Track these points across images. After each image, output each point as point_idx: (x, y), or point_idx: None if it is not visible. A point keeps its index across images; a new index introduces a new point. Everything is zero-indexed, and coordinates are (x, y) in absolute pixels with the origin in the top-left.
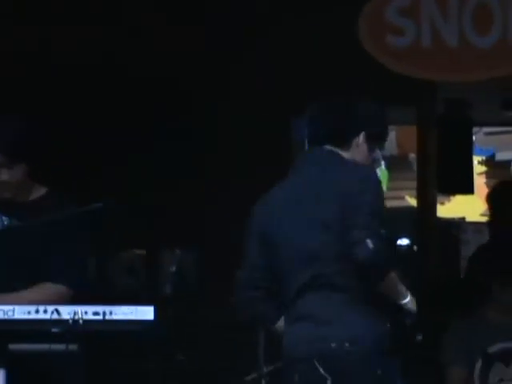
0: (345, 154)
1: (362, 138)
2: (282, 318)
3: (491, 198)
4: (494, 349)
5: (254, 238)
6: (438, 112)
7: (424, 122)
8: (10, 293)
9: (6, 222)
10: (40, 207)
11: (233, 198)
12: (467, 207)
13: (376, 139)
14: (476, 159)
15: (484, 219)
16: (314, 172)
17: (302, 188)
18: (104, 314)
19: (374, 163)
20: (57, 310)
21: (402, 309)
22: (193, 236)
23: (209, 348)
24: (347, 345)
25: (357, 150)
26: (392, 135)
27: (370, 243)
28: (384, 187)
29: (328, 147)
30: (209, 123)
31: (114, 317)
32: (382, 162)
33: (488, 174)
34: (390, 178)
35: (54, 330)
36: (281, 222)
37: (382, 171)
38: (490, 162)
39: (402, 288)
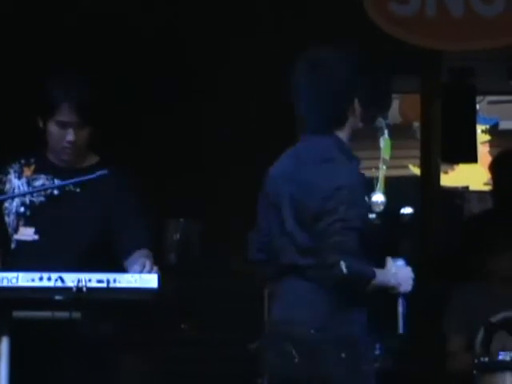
0: (342, 134)
1: (355, 103)
2: None
3: (494, 167)
4: (496, 318)
5: (263, 203)
6: (442, 81)
7: (427, 90)
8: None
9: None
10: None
11: (237, 168)
12: (471, 176)
13: (370, 102)
14: (480, 128)
15: (487, 188)
16: (306, 161)
17: (292, 174)
18: (108, 281)
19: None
20: (61, 278)
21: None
22: (197, 205)
23: (212, 316)
24: (312, 331)
25: (353, 117)
26: (395, 104)
27: (343, 266)
28: (387, 156)
29: (327, 137)
30: (212, 94)
31: (118, 285)
32: (386, 131)
33: (492, 143)
34: (394, 147)
35: (58, 297)
36: (277, 201)
37: (385, 140)
38: (493, 131)
39: (385, 279)
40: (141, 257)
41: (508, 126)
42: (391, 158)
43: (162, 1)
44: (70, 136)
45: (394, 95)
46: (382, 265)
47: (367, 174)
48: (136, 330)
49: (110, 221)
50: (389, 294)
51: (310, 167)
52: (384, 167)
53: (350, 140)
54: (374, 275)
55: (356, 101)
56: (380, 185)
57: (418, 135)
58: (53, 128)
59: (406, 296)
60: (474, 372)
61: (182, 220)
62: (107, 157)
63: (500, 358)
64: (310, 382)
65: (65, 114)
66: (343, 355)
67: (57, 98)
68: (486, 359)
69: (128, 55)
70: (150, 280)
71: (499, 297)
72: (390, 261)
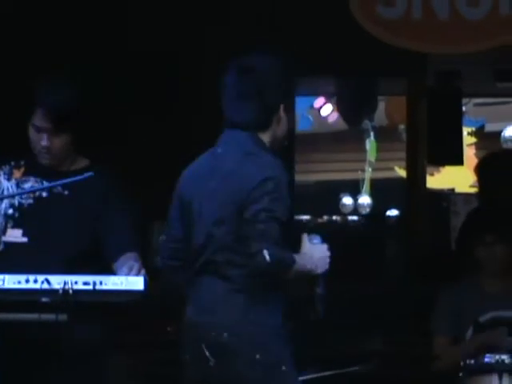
0: (264, 137)
1: (281, 111)
2: None
3: (480, 169)
4: (484, 318)
5: (175, 207)
6: (428, 83)
7: (413, 92)
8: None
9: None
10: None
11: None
12: (457, 178)
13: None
14: (466, 130)
15: (473, 190)
16: (226, 156)
17: (212, 170)
18: (94, 284)
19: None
20: (47, 280)
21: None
22: None
23: None
24: (225, 335)
25: (277, 125)
26: (381, 106)
27: (266, 254)
28: (373, 158)
29: (247, 133)
30: (199, 93)
31: (104, 287)
32: (372, 133)
33: (478, 145)
34: (379, 149)
35: (44, 299)
36: (195, 197)
37: (371, 142)
38: (479, 133)
39: (302, 262)
40: (129, 260)
41: (494, 128)
42: (377, 160)
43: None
44: (44, 141)
45: (379, 97)
46: None
47: (353, 176)
48: (122, 332)
49: (97, 224)
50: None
51: (232, 160)
52: (370, 169)
53: (272, 146)
54: (294, 261)
55: (282, 108)
56: (366, 187)
57: (404, 137)
58: (30, 131)
59: (325, 277)
60: (461, 374)
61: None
62: (97, 160)
63: (486, 360)
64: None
65: (38, 119)
66: (258, 356)
67: (33, 102)
68: (473, 361)
69: (116, 59)
70: (136, 282)
71: (486, 296)
72: (305, 240)
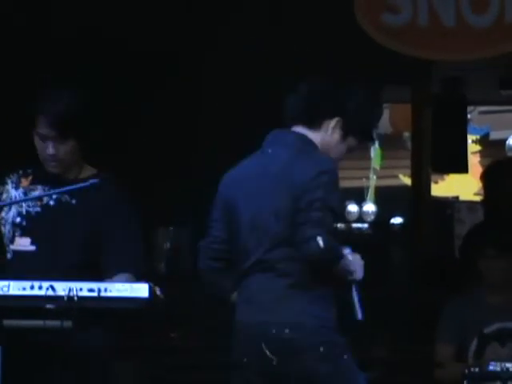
0: (313, 136)
1: (334, 123)
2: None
3: (485, 177)
4: (490, 329)
5: (218, 209)
6: (433, 91)
7: (418, 100)
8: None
9: (54, 196)
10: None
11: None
12: (461, 186)
13: (355, 133)
14: (470, 138)
15: (478, 198)
16: (277, 155)
17: (264, 169)
18: (99, 290)
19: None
20: (52, 287)
21: (351, 285)
22: (186, 213)
23: (202, 325)
24: (287, 331)
25: (326, 133)
26: (386, 114)
27: (320, 241)
28: (378, 166)
29: (297, 129)
30: (200, 101)
31: (109, 294)
32: (376, 141)
33: (482, 153)
34: (384, 157)
35: (49, 306)
36: (241, 198)
37: (375, 150)
38: (484, 140)
39: (350, 266)
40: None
41: (499, 136)
42: (382, 167)
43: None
44: (50, 149)
45: (384, 105)
46: None
47: (358, 183)
48: (126, 338)
49: (98, 235)
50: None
51: (285, 157)
52: (374, 177)
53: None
54: (342, 255)
55: (337, 123)
56: (370, 194)
57: (409, 145)
58: (36, 140)
59: (359, 283)
60: (465, 382)
61: (171, 228)
62: (104, 168)
63: (491, 368)
64: (294, 381)
65: (42, 127)
66: (322, 349)
67: (35, 110)
68: (477, 369)
69: (116, 66)
70: (141, 289)
71: (488, 307)
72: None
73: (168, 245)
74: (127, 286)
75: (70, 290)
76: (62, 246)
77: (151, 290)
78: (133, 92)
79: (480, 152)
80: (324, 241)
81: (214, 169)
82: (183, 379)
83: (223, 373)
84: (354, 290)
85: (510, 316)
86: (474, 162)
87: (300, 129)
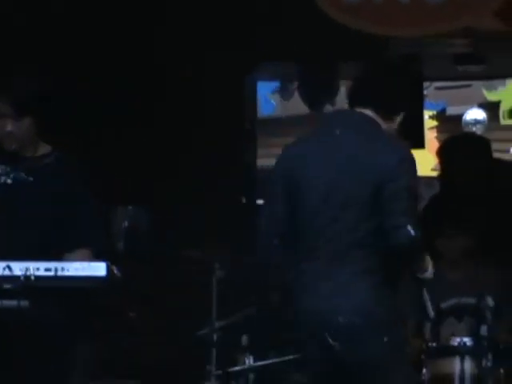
0: (380, 121)
1: (400, 118)
2: None
3: (441, 153)
4: (446, 304)
5: (278, 184)
6: None
7: None
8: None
9: (11, 175)
10: (45, 164)
11: (183, 155)
12: (418, 162)
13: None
14: (427, 114)
15: (435, 174)
16: (347, 137)
17: (334, 150)
18: (56, 270)
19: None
20: (8, 267)
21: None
22: (145, 192)
23: (161, 304)
24: (354, 318)
25: (392, 125)
26: (342, 90)
27: (411, 230)
28: None
29: (369, 112)
30: (162, 80)
31: (66, 273)
32: None
33: (439, 129)
34: None
35: (6, 286)
36: (308, 176)
37: None
38: (440, 116)
39: (426, 264)
40: (79, 256)
41: (455, 111)
42: None
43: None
44: (6, 126)
45: (342, 81)
46: None
47: None
48: (84, 317)
49: (59, 211)
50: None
51: (358, 142)
52: None
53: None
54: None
55: (402, 115)
56: None
57: None
58: None
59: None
60: (423, 357)
61: (130, 207)
62: (58, 146)
63: (449, 343)
64: (355, 369)
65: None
66: (385, 339)
67: None
68: (435, 345)
69: (79, 47)
70: (99, 268)
71: (448, 283)
72: None
73: (126, 224)
74: (85, 264)
75: (26, 269)
76: (19, 225)
77: (108, 269)
78: (93, 72)
79: (436, 127)
80: (414, 230)
81: (172, 148)
82: (141, 358)
83: (183, 353)
84: (424, 288)
85: (468, 291)
86: (431, 137)
87: (368, 112)
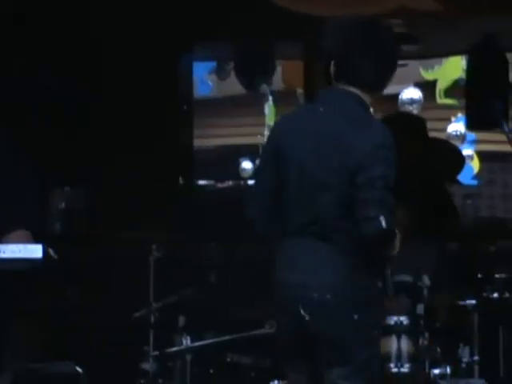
0: (365, 98)
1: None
2: None
3: None
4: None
5: (267, 158)
6: None
7: (310, 56)
8: None
9: None
10: None
11: (120, 136)
12: None
13: None
14: None
15: None
16: (331, 115)
17: (316, 129)
18: None
19: None
20: None
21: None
22: (82, 173)
23: (98, 285)
24: (328, 296)
25: (372, 99)
26: (279, 70)
27: (383, 221)
28: (272, 122)
29: (352, 89)
30: (94, 62)
31: (2, 255)
32: (270, 97)
33: (375, 108)
34: (278, 113)
35: None
36: (292, 153)
37: (269, 106)
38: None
39: (395, 246)
40: (17, 237)
41: (392, 90)
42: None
43: None
44: None
45: (277, 62)
46: None
47: (252, 140)
48: (21, 298)
49: None
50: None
51: (339, 122)
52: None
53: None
54: (396, 235)
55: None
56: None
57: (302, 101)
58: None
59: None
60: None
61: (67, 188)
62: None
63: (385, 321)
64: (319, 341)
65: None
66: (356, 317)
67: None
68: None
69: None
70: (35, 250)
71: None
72: None
73: (63, 205)
74: (21, 246)
75: None
76: None
77: (45, 251)
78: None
79: (373, 106)
80: (386, 222)
81: (109, 129)
82: (79, 338)
83: (120, 333)
84: (387, 265)
85: (403, 269)
86: None
87: (354, 89)
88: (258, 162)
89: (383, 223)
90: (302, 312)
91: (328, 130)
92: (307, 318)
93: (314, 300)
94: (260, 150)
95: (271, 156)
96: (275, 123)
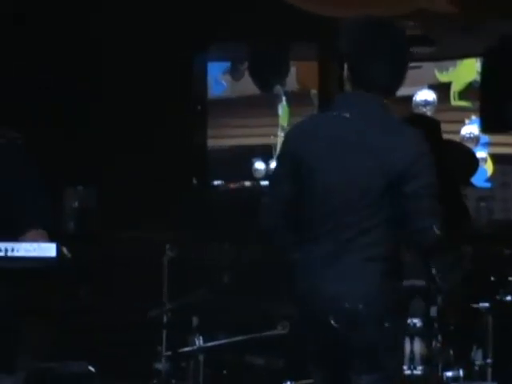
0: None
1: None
2: None
3: None
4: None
5: (286, 163)
6: None
7: (325, 57)
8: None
9: None
10: None
11: (134, 136)
12: None
13: None
14: None
15: None
16: (357, 121)
17: (344, 134)
18: (6, 250)
19: None
20: None
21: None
22: (95, 173)
23: (111, 284)
24: (361, 306)
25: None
26: (293, 71)
27: (436, 229)
28: (286, 123)
29: (376, 96)
30: (108, 63)
31: (16, 254)
32: (284, 98)
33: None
34: (292, 114)
35: None
36: (316, 158)
37: (283, 107)
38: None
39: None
40: (32, 237)
41: (405, 92)
42: (289, 125)
43: None
44: None
45: (291, 62)
46: None
47: (265, 141)
48: (34, 298)
49: (7, 194)
50: None
51: (372, 130)
52: (282, 134)
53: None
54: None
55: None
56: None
57: (316, 102)
58: None
59: None
60: None
61: (80, 188)
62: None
63: None
64: (350, 350)
65: None
66: (386, 324)
67: None
68: None
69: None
70: (49, 249)
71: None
72: None
73: (76, 204)
74: (35, 245)
75: None
76: None
77: (59, 250)
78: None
79: None
80: (439, 229)
81: (123, 129)
82: (92, 338)
83: (134, 332)
84: (432, 266)
85: (416, 272)
86: None
87: (375, 94)
88: (271, 165)
89: (437, 231)
90: (333, 323)
91: (361, 137)
92: (338, 329)
93: (346, 310)
94: (273, 151)
95: (290, 164)
96: (292, 130)
